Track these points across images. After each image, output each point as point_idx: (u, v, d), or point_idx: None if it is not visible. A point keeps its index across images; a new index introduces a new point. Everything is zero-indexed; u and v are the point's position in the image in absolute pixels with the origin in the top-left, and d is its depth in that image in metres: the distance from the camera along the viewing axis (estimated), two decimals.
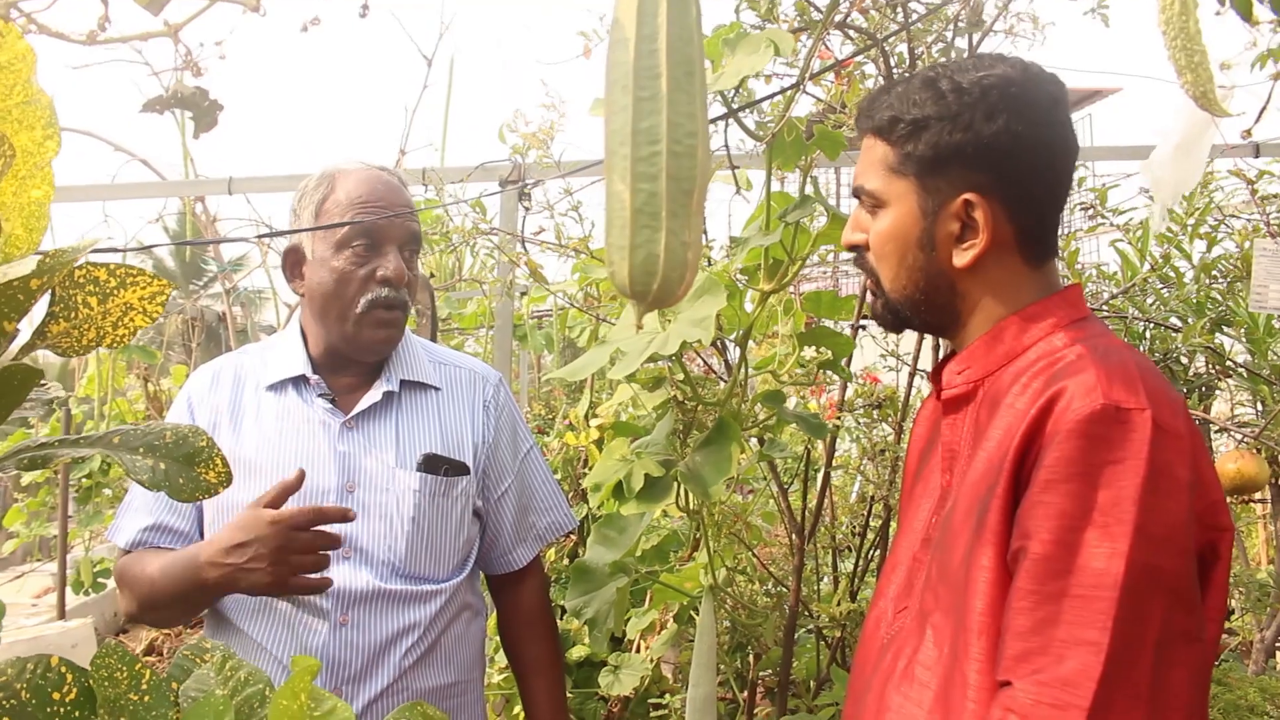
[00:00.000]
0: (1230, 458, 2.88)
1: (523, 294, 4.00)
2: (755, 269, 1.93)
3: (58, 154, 0.84)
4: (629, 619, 2.69)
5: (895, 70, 2.16)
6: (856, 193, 1.39)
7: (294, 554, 1.57)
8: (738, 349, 1.96)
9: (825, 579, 3.01)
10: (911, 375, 2.56)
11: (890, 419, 2.63)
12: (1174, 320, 3.16)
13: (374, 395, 1.85)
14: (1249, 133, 2.38)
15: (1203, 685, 1.11)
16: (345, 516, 1.62)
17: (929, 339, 2.32)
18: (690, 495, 1.94)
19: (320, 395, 1.84)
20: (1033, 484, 1.11)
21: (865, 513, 2.75)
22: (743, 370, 1.94)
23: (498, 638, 2.57)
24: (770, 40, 1.62)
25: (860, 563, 2.62)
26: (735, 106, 1.79)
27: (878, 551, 2.62)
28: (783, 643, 2.38)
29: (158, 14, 1.12)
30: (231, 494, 1.75)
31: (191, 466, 0.93)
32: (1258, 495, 3.46)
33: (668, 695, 2.95)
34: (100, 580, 5.38)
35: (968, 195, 1.28)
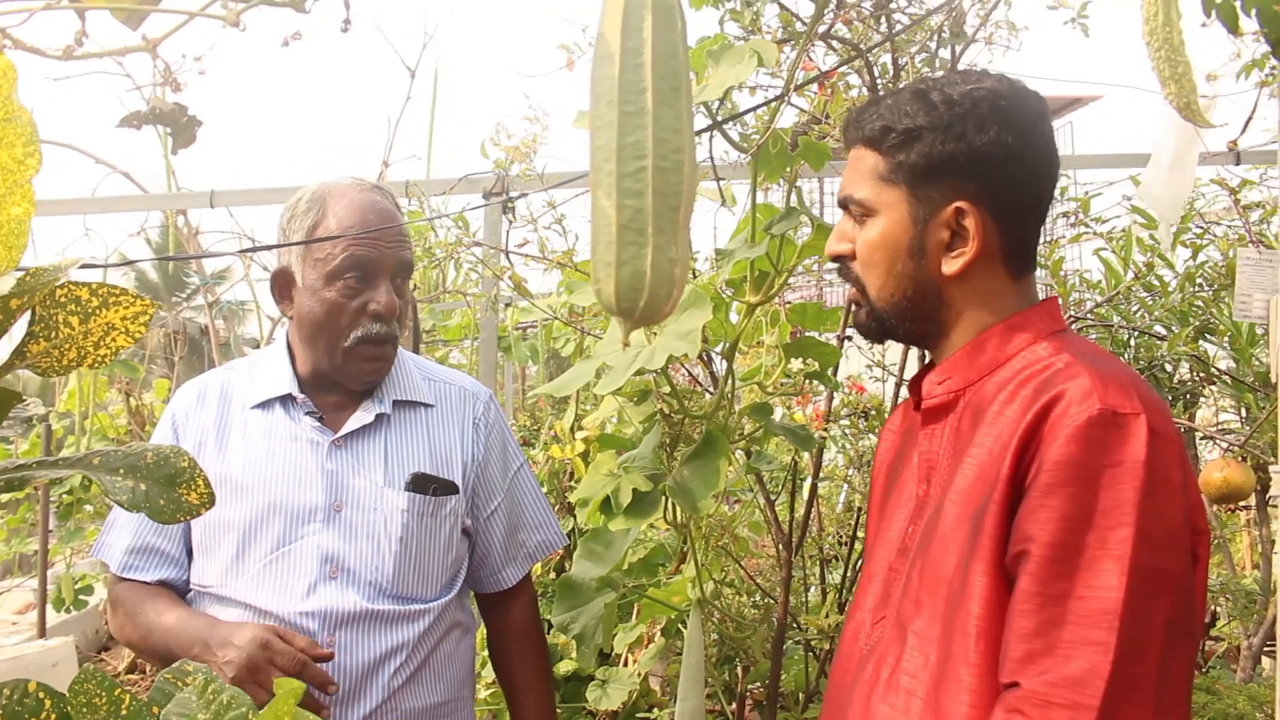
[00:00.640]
0: (1216, 466, 2.89)
1: (507, 306, 3.99)
2: (741, 281, 1.92)
3: (38, 171, 0.83)
4: (616, 633, 2.67)
5: (879, 81, 2.16)
6: (843, 203, 1.40)
7: (253, 680, 1.55)
8: (724, 361, 1.95)
9: (813, 589, 3.01)
10: (898, 385, 2.56)
11: (877, 429, 2.63)
12: (1158, 329, 3.17)
13: (365, 416, 1.82)
14: (1235, 143, 2.39)
15: (1192, 677, 1.15)
16: (325, 686, 1.62)
17: (915, 350, 2.32)
18: (678, 509, 1.93)
19: (308, 413, 1.82)
20: (1032, 489, 1.13)
21: (852, 523, 2.75)
22: (729, 382, 1.94)
23: (485, 653, 2.56)
24: (754, 51, 1.61)
25: (848, 573, 2.62)
26: (720, 118, 1.78)
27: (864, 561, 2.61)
28: (771, 655, 2.37)
29: (136, 28, 1.11)
30: (220, 512, 1.75)
31: (173, 487, 0.91)
32: (1241, 502, 3.47)
33: (656, 709, 2.94)
34: (82, 597, 5.32)
35: (959, 203, 1.29)
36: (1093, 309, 3.19)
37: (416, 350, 3.20)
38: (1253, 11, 1.34)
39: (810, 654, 2.68)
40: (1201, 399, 3.56)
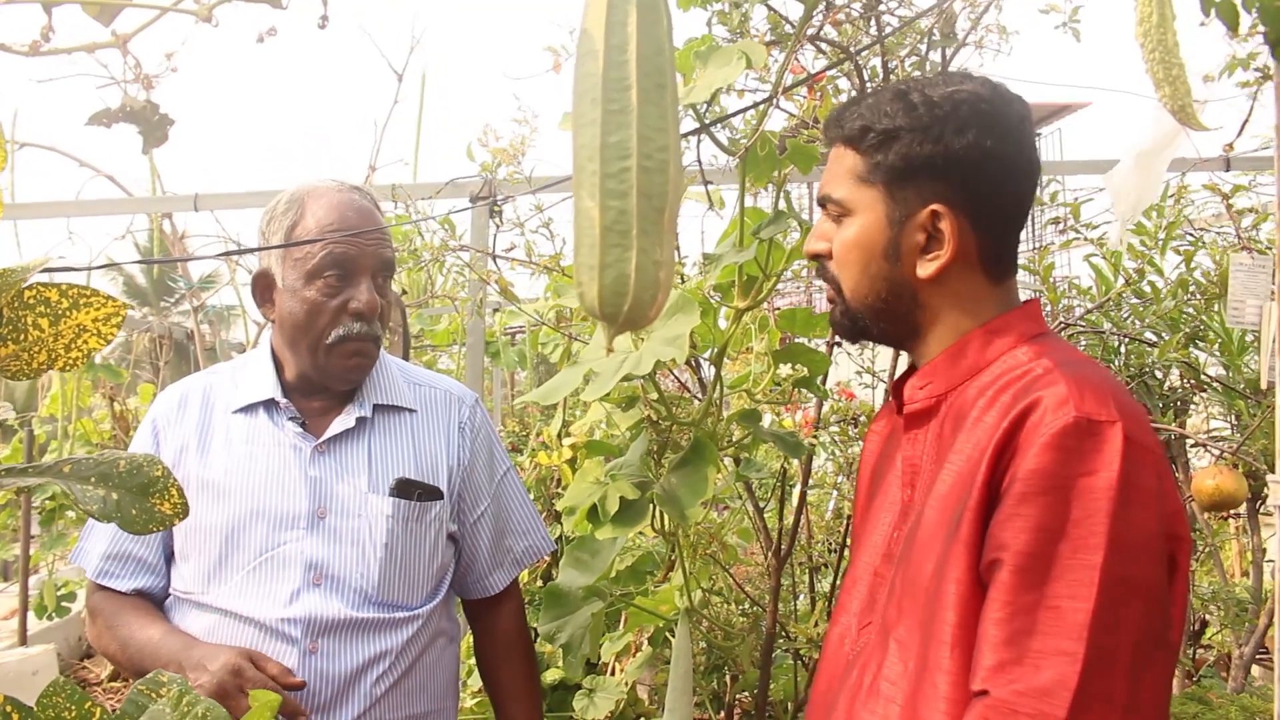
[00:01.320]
0: (1209, 473, 2.88)
1: (495, 311, 3.97)
2: (729, 286, 1.90)
3: (2, 169, 0.81)
4: (604, 642, 2.65)
5: (869, 84, 2.15)
6: (822, 201, 1.40)
7: (226, 702, 1.53)
8: (712, 367, 1.93)
9: (802, 597, 2.99)
10: (887, 392, 2.54)
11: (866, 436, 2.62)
12: (1149, 335, 3.16)
13: (346, 420, 1.81)
14: (1231, 146, 2.38)
15: (1170, 687, 1.14)
16: (298, 687, 1.61)
17: (905, 355, 2.31)
18: (666, 517, 1.91)
19: (291, 419, 1.80)
20: (1007, 497, 1.12)
21: (841, 530, 2.73)
22: (718, 389, 1.92)
23: (471, 661, 2.53)
24: (742, 53, 1.60)
25: (837, 581, 2.60)
26: (708, 121, 1.77)
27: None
28: (760, 664, 2.35)
29: (108, 24, 1.08)
30: (201, 518, 1.74)
31: (146, 497, 0.89)
32: (1233, 510, 3.46)
33: (644, 718, 2.92)
34: (64, 604, 5.28)
35: (935, 206, 1.28)
36: (1083, 315, 3.18)
37: (406, 356, 3.18)
38: (1254, 9, 1.32)
39: (799, 663, 2.65)
40: (1192, 406, 3.56)
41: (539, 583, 3.55)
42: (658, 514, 1.90)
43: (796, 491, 2.56)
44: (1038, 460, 1.10)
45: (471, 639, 2.06)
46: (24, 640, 5.05)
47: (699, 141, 1.87)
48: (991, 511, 1.14)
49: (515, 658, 1.99)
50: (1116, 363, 3.29)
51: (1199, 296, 3.03)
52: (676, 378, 2.86)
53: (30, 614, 5.18)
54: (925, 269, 1.30)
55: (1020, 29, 2.23)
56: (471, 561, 1.93)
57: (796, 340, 2.17)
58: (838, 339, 2.39)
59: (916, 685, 1.18)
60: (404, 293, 4.23)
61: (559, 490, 3.69)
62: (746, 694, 2.81)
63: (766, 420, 2.39)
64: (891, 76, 2.17)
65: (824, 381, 2.28)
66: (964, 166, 1.27)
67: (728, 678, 2.81)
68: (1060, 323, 3.08)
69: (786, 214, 1.79)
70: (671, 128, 0.92)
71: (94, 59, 1.26)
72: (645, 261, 0.90)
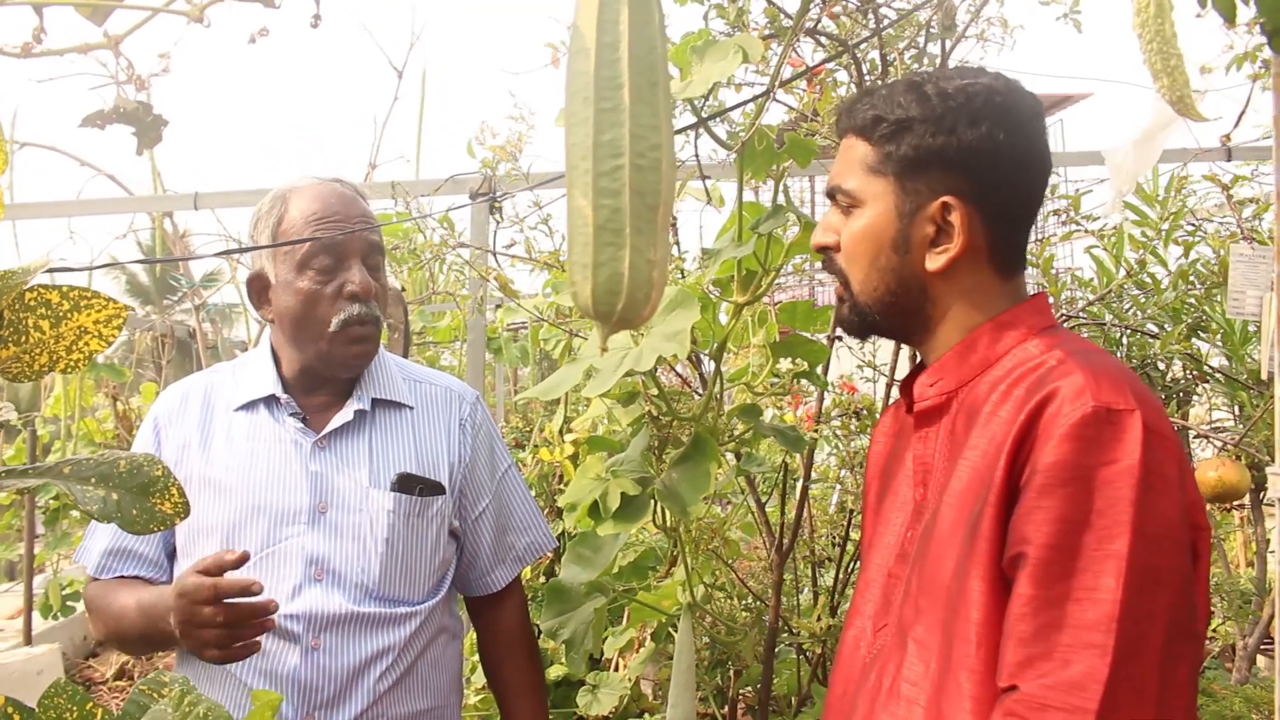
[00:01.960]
0: (1211, 465, 2.87)
1: (496, 307, 3.96)
2: (729, 281, 1.90)
3: (3, 171, 0.81)
4: (606, 638, 2.65)
5: (867, 77, 2.14)
6: (831, 193, 1.38)
7: (197, 628, 1.50)
8: (712, 362, 1.93)
9: (805, 592, 2.99)
10: (889, 385, 2.54)
11: (868, 429, 2.61)
12: (1150, 326, 3.16)
13: (345, 414, 1.82)
14: (1228, 137, 2.37)
15: (1197, 679, 1.13)
16: (248, 590, 1.51)
17: (906, 348, 2.31)
18: (667, 512, 1.91)
19: (291, 414, 1.81)
20: (1027, 490, 1.11)
21: (844, 524, 2.73)
22: (718, 384, 1.92)
23: (474, 658, 2.53)
24: (739, 46, 1.59)
25: (840, 575, 2.60)
26: (705, 115, 1.76)
27: (858, 564, 2.59)
28: (763, 659, 2.35)
29: (101, 24, 1.08)
30: (203, 515, 1.74)
31: (146, 497, 0.90)
32: (1236, 501, 3.46)
33: (647, 714, 2.92)
34: (69, 604, 5.29)
35: (946, 198, 1.28)
36: (1085, 307, 3.18)
37: (406, 353, 3.18)
38: (1251, 0, 1.31)
39: (802, 657, 2.65)
40: (1194, 397, 3.55)
41: (541, 579, 3.56)
42: (659, 509, 1.90)
43: (799, 486, 2.56)
44: (1057, 451, 1.09)
45: (475, 636, 2.06)
46: (29, 640, 5.06)
47: (697, 136, 1.87)
48: (1011, 506, 1.13)
49: (518, 654, 1.99)
50: (1118, 355, 3.28)
51: (1199, 287, 3.02)
52: (677, 373, 2.86)
53: (35, 613, 5.19)
54: (934, 262, 1.30)
55: (1021, 21, 2.22)
56: (473, 558, 1.93)
57: (796, 333, 2.17)
58: (838, 333, 2.38)
59: (940, 685, 1.17)
60: (404, 290, 4.23)
61: (561, 486, 3.69)
62: (750, 689, 2.81)
63: (768, 415, 2.39)
64: (891, 69, 2.16)
65: (825, 374, 2.28)
66: (976, 159, 1.27)
67: (731, 673, 2.80)
68: (1062, 315, 3.07)
69: (785, 208, 1.79)
70: (664, 126, 0.92)
71: (94, 59, 1.26)
72: (639, 260, 0.90)
